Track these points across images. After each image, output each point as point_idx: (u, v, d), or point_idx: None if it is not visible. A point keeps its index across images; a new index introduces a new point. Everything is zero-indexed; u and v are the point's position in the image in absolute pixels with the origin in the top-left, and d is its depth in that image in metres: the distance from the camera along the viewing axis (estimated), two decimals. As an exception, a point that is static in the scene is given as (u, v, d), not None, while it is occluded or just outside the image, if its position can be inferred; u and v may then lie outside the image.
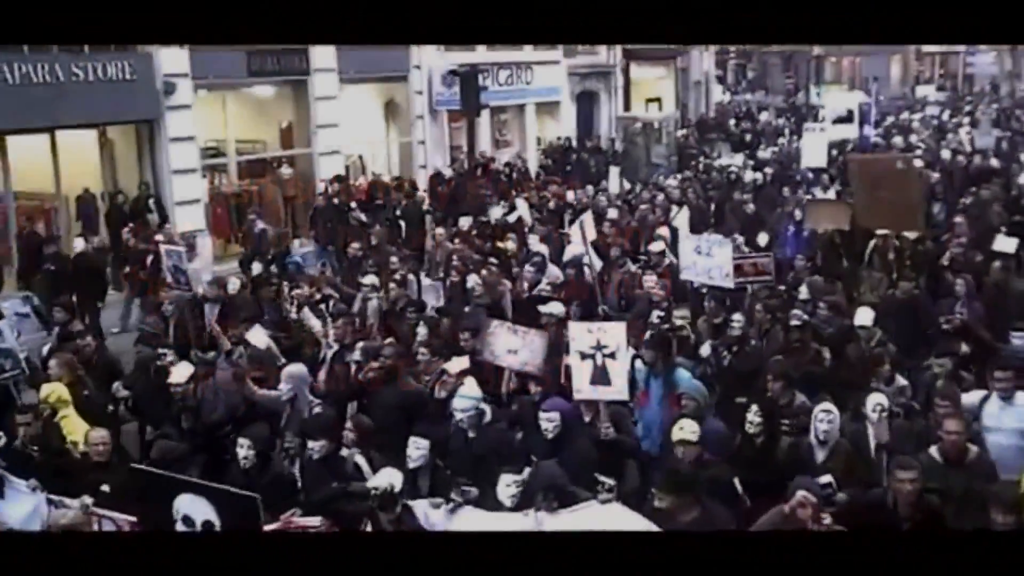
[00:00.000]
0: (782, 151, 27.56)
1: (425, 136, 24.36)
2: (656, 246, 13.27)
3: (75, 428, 8.26)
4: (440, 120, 24.75)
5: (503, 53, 26.25)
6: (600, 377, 7.64)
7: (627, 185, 22.14)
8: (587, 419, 7.82)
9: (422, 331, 9.77)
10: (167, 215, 18.13)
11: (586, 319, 9.61)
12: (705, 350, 9.71)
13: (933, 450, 6.90)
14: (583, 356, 7.69)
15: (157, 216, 17.92)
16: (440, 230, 16.13)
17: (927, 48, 56.34)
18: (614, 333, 7.70)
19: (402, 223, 18.58)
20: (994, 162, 21.77)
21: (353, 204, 18.84)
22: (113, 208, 17.95)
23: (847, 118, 24.23)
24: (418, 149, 24.24)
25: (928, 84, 50.48)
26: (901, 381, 8.63)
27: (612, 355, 7.58)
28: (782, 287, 11.76)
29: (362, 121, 23.56)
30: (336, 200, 18.43)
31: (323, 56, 21.07)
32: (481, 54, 25.06)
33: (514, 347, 8.99)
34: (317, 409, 8.59)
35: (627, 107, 32.26)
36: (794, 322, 9.77)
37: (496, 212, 17.82)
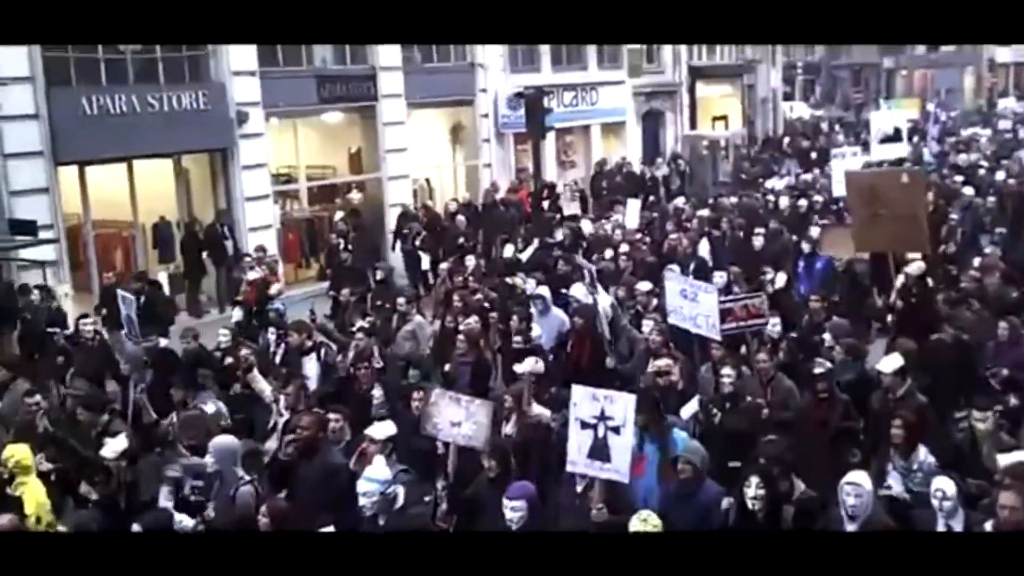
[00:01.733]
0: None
1: (491, 159, 24.52)
2: (643, 286, 12.11)
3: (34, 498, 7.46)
4: (506, 143, 24.90)
5: (568, 75, 26.37)
6: (599, 451, 6.81)
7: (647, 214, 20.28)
8: (578, 490, 7.04)
9: (377, 393, 9.20)
10: (238, 242, 18.47)
11: (591, 378, 8.50)
12: (688, 409, 8.60)
13: (988, 526, 5.92)
14: (584, 425, 6.85)
15: (232, 242, 18.29)
16: (443, 265, 15.25)
17: (1000, 59, 55.19)
18: (622, 404, 6.81)
19: (422, 254, 18.37)
20: None
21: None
22: (188, 236, 18.37)
23: (894, 137, 22.41)
24: (484, 172, 24.39)
25: (1007, 97, 49.12)
26: (921, 454, 7.30)
27: (616, 429, 6.75)
28: (793, 334, 10.84)
29: (429, 145, 23.83)
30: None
31: (391, 82, 21.37)
32: (546, 75, 25.20)
33: (457, 419, 7.90)
34: (244, 488, 7.51)
35: (693, 125, 32.09)
36: (818, 370, 8.60)
37: (508, 250, 16.46)
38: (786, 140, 34.21)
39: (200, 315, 17.61)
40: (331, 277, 17.05)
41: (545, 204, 21.50)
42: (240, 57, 18.47)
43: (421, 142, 22.98)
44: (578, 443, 6.90)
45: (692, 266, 13.78)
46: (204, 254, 18.35)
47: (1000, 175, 21.30)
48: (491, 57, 23.92)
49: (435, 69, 22.88)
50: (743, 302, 10.05)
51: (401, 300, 12.47)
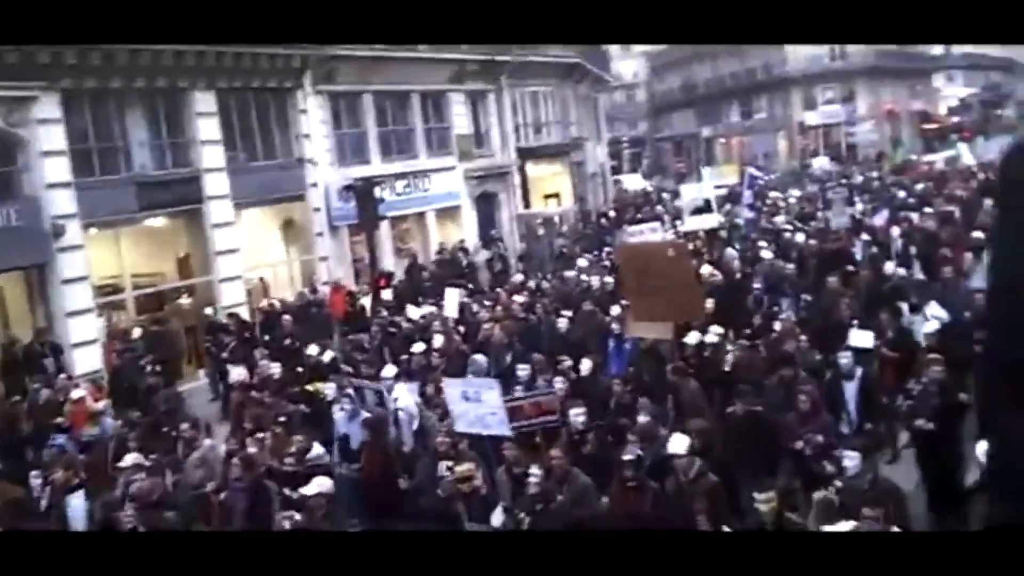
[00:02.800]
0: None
1: (327, 252, 24.33)
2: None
3: None
4: (340, 235, 24.78)
5: (398, 164, 26.58)
6: None
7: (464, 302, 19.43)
8: None
9: None
10: (62, 359, 17.62)
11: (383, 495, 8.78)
12: (496, 518, 8.23)
13: None
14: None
15: (54, 361, 17.43)
16: (236, 373, 14.67)
17: (809, 121, 58.76)
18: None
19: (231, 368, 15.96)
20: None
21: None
22: (7, 357, 17.43)
23: (705, 208, 22.82)
24: (321, 266, 24.15)
25: (819, 157, 52.14)
26: None
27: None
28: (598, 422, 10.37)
29: (261, 243, 23.48)
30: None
31: (216, 183, 21.04)
32: (376, 167, 25.34)
33: None
34: None
35: (527, 205, 32.74)
36: (625, 457, 8.32)
37: (312, 350, 15.48)
38: (612, 212, 35.07)
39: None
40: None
41: (386, 294, 21.33)
42: (54, 169, 17.88)
43: (253, 241, 22.62)
44: None
45: (509, 356, 13.50)
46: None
47: (800, 237, 21.17)
48: (319, 151, 23.91)
49: (261, 168, 22.66)
50: (534, 399, 9.72)
51: (184, 426, 11.80)
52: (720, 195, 29.99)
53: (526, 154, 32.80)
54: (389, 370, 12.94)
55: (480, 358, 13.46)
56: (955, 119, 51.74)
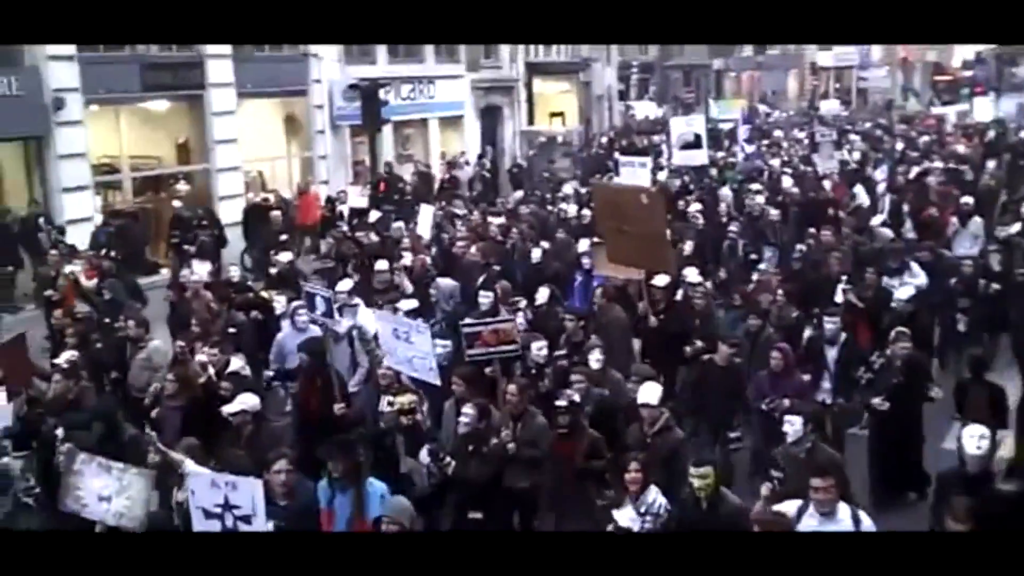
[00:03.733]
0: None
1: (327, 151, 24.15)
2: (406, 304, 11.12)
3: None
4: (342, 135, 24.56)
5: (406, 67, 26.25)
6: None
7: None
8: None
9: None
10: (63, 231, 17.57)
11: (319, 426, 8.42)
12: (424, 456, 7.80)
13: None
14: (207, 515, 5.89)
15: (48, 234, 17.40)
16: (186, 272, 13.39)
17: (822, 63, 58.08)
18: (247, 491, 5.85)
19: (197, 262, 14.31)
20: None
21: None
22: (1, 227, 17.38)
23: (695, 143, 21.15)
24: (320, 164, 23.99)
25: (829, 99, 51.54)
26: (651, 496, 6.80)
27: (246, 519, 5.82)
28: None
29: (262, 136, 23.25)
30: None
31: (220, 70, 20.77)
32: (382, 68, 25.01)
33: (107, 492, 6.71)
34: None
35: (531, 121, 32.46)
36: (561, 402, 7.80)
37: (284, 256, 14.34)
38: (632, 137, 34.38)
39: (15, 311, 16.67)
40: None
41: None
42: (57, 41, 17.57)
43: (253, 133, 22.39)
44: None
45: (481, 279, 12.56)
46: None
47: (788, 182, 19.78)
48: (325, 47, 23.55)
49: (267, 58, 22.30)
50: (492, 326, 8.93)
51: (131, 323, 10.80)
52: (727, 129, 29.67)
53: (534, 69, 32.43)
54: (345, 284, 11.72)
55: (445, 282, 12.70)
56: (968, 73, 51.10)
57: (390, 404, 8.31)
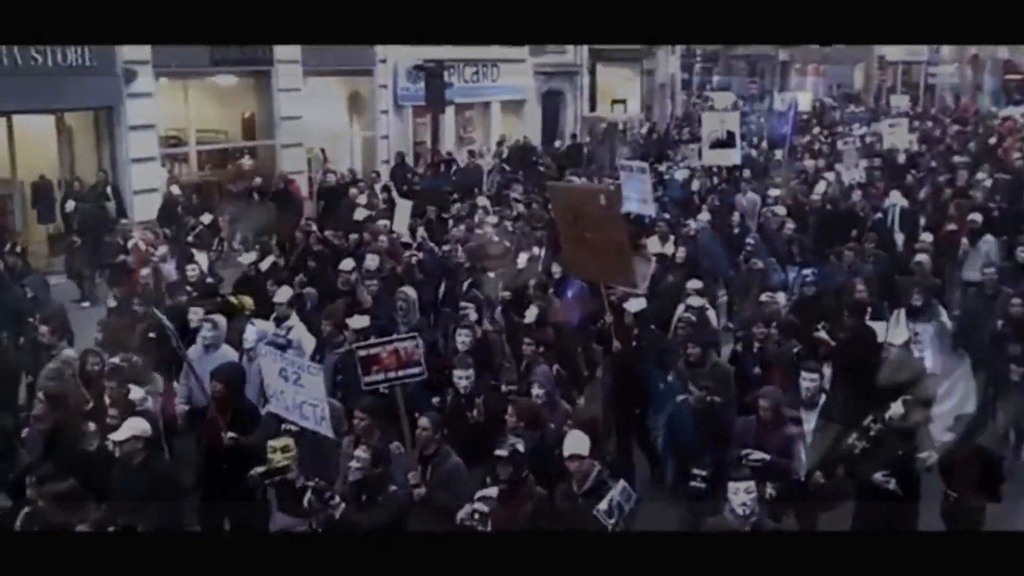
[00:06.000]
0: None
1: (389, 131, 24.24)
2: (357, 322, 9.45)
3: None
4: (404, 115, 24.64)
5: (469, 50, 26.21)
6: None
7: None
8: None
9: None
10: (124, 203, 17.90)
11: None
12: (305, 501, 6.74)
13: None
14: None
15: (114, 204, 17.72)
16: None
17: (890, 57, 56.98)
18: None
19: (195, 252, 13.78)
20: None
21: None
22: (70, 196, 17.69)
23: (728, 142, 19.46)
24: (381, 144, 24.10)
25: (896, 94, 50.48)
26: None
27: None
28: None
29: (325, 114, 23.40)
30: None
31: (287, 47, 20.91)
32: (447, 50, 24.97)
33: None
34: None
35: (593, 107, 32.29)
36: (501, 452, 6.52)
37: (247, 257, 12.89)
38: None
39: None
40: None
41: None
42: (130, 13, 17.80)
43: (317, 110, 22.53)
44: None
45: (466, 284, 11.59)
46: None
47: (821, 187, 18.05)
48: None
49: (334, 36, 22.38)
50: (393, 346, 7.33)
51: (44, 329, 9.56)
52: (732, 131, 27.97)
53: (597, 55, 32.21)
54: (283, 293, 10.29)
55: (410, 291, 10.76)
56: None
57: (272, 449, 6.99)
